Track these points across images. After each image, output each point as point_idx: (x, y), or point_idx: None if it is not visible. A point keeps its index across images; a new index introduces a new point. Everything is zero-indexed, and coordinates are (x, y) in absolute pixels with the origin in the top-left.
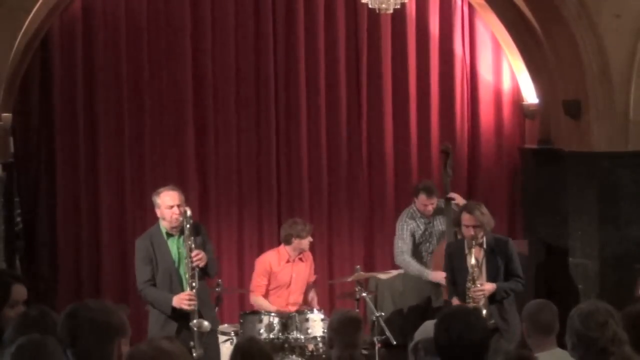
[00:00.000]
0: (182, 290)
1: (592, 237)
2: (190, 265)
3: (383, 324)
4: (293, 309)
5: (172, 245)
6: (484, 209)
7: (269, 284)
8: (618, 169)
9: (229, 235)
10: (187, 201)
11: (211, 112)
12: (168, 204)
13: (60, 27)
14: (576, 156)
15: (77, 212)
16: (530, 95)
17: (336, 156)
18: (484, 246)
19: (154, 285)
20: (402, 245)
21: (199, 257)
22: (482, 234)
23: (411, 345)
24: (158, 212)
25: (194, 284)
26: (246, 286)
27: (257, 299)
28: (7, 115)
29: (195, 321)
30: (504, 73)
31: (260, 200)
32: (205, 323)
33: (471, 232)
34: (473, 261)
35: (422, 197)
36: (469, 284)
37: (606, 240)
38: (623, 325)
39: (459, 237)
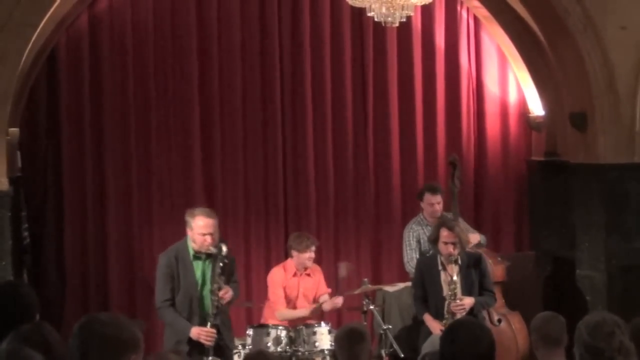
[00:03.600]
0: (202, 312)
1: (599, 249)
2: (215, 302)
3: (391, 337)
4: (300, 322)
5: (198, 267)
6: (462, 225)
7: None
8: (624, 181)
9: (235, 247)
10: None
11: (218, 128)
12: (201, 231)
13: (66, 41)
14: (583, 168)
15: (84, 226)
16: (537, 108)
17: (343, 168)
18: (459, 262)
19: (173, 304)
20: (411, 252)
21: (227, 297)
22: (458, 250)
23: (419, 358)
24: (189, 233)
25: (216, 321)
26: (253, 299)
27: (282, 312)
28: (14, 130)
29: (210, 359)
30: (510, 85)
31: (267, 213)
32: None
33: (450, 249)
34: (455, 277)
35: (427, 196)
36: (449, 299)
37: (613, 251)
38: (630, 336)
39: (431, 252)
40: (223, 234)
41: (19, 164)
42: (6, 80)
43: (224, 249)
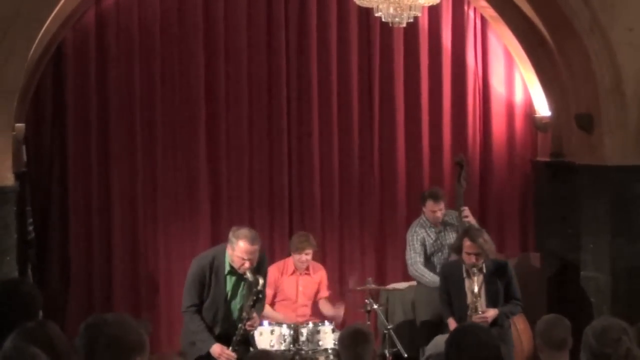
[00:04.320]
0: (226, 323)
1: (604, 250)
2: (242, 330)
3: (394, 337)
4: (302, 320)
5: (230, 280)
6: (487, 236)
7: (275, 295)
8: (630, 182)
9: None
10: (198, 214)
11: (223, 125)
12: (241, 255)
13: (73, 37)
14: (588, 169)
15: (89, 221)
16: (543, 108)
17: (348, 168)
18: (484, 271)
19: (199, 311)
20: (415, 256)
21: (254, 326)
22: (482, 260)
23: (422, 359)
24: (229, 251)
25: (238, 346)
26: None
27: (265, 310)
28: (20, 126)
29: None
30: (517, 85)
31: (271, 211)
32: None
33: (473, 259)
34: (476, 289)
35: (430, 203)
36: (470, 312)
37: (618, 253)
38: (637, 340)
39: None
40: (227, 234)
41: (25, 159)
42: (13, 76)
43: (261, 281)
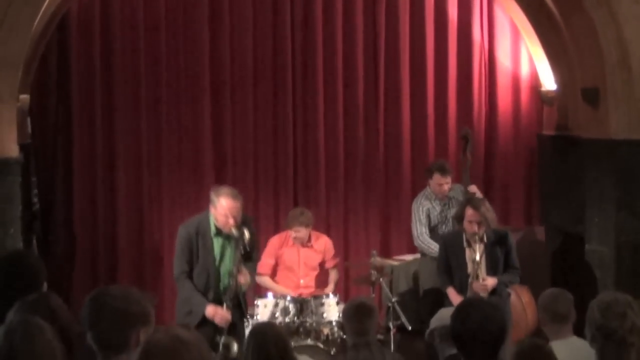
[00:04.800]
0: (218, 288)
1: (608, 224)
2: (233, 285)
3: (398, 310)
4: (305, 292)
5: (217, 243)
6: (488, 205)
7: (276, 265)
8: (635, 156)
9: None
10: (203, 189)
11: (228, 100)
12: (224, 212)
13: (78, 8)
14: (594, 143)
15: (93, 192)
16: (549, 82)
17: (353, 141)
18: (485, 240)
19: (190, 276)
20: (420, 227)
21: (245, 281)
22: (483, 229)
23: (427, 332)
24: (212, 210)
25: (232, 302)
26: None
27: (262, 279)
28: (25, 97)
29: (224, 339)
30: (523, 59)
31: (276, 185)
32: (235, 347)
33: (474, 228)
34: (477, 257)
35: (437, 176)
36: (471, 279)
37: (623, 227)
38: None
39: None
40: None
41: (29, 130)
42: (17, 47)
43: (247, 234)
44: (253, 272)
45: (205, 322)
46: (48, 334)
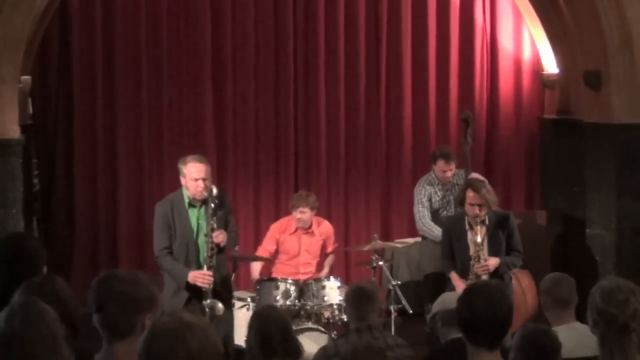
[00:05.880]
0: (199, 261)
1: (609, 208)
2: (210, 245)
3: (399, 293)
4: (304, 277)
5: (193, 215)
6: (489, 187)
7: (276, 252)
8: (637, 140)
9: (245, 201)
10: None
11: (230, 79)
12: (193, 176)
13: None
14: (596, 127)
15: (94, 173)
16: (551, 65)
17: (354, 124)
18: (486, 222)
19: (171, 253)
20: (423, 210)
21: (220, 239)
22: (485, 211)
23: (429, 316)
24: (182, 181)
25: (211, 263)
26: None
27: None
28: (26, 78)
29: (209, 301)
30: (525, 42)
31: (277, 168)
32: (219, 305)
33: (476, 210)
34: (479, 239)
35: (441, 163)
36: (473, 261)
37: (624, 211)
38: None
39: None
40: (233, 189)
41: (31, 111)
42: (19, 28)
43: (215, 190)
44: (232, 244)
45: (191, 301)
46: (48, 317)
